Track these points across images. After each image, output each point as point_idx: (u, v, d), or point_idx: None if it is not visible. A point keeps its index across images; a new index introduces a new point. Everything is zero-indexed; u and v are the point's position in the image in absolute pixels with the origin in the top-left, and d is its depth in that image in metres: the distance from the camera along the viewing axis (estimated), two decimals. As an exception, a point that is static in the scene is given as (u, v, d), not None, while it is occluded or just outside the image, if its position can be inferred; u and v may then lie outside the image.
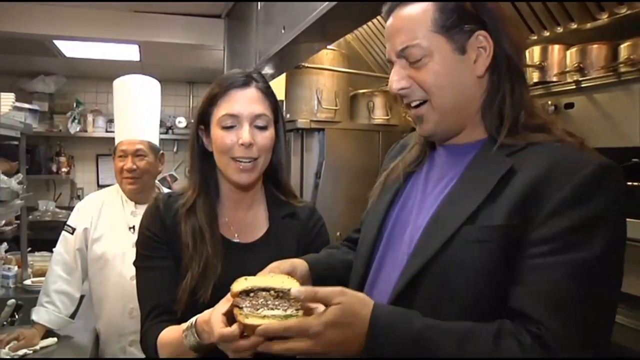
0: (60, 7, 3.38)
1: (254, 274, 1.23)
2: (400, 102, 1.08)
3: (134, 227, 2.25)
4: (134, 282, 2.06)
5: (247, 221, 1.41)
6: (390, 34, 1.05)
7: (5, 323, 2.84)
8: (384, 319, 0.90)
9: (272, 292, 0.99)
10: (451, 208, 0.99)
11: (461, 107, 1.03)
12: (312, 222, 1.46)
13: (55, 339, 2.31)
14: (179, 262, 1.34)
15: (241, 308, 0.97)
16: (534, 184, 0.91)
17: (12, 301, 2.89)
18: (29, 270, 3.45)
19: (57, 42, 3.78)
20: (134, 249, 1.95)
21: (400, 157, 1.20)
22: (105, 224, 2.29)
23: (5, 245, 3.38)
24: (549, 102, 1.86)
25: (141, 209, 2.24)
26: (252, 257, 1.31)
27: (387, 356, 0.89)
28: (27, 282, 3.34)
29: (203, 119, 1.37)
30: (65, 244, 2.30)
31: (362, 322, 0.90)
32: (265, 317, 0.95)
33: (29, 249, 3.39)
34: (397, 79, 1.04)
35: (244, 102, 1.31)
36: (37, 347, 2.21)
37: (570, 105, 1.83)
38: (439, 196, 1.04)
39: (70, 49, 4.00)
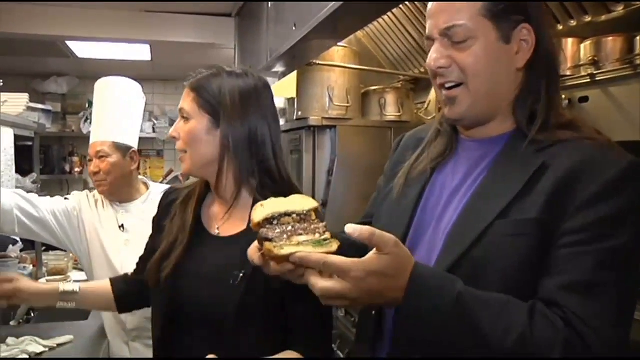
0: (72, 8, 3.40)
1: (223, 264, 1.31)
2: (434, 81, 1.07)
3: (123, 226, 2.26)
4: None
5: (232, 216, 1.41)
6: (435, 10, 1.04)
7: (21, 321, 2.87)
8: (426, 278, 0.88)
9: (294, 216, 0.95)
10: (483, 202, 0.99)
11: (495, 96, 1.02)
12: None
13: (71, 337, 2.33)
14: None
15: (270, 240, 0.90)
16: (567, 179, 0.92)
17: (27, 300, 2.91)
18: (44, 269, 3.48)
19: (70, 43, 3.80)
20: (127, 247, 1.97)
21: (422, 149, 1.17)
22: (95, 220, 2.28)
23: (20, 244, 3.41)
24: (563, 96, 1.84)
25: (127, 207, 2.30)
26: (226, 249, 1.37)
27: (423, 314, 0.87)
28: (42, 280, 3.37)
29: None
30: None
31: (404, 277, 0.87)
32: (300, 244, 0.89)
33: (44, 248, 3.42)
34: (436, 57, 1.03)
35: (181, 100, 1.42)
36: (54, 345, 2.23)
37: (584, 99, 1.82)
38: (468, 190, 1.03)
39: (82, 49, 4.03)
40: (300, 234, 0.92)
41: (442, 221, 1.05)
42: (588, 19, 1.90)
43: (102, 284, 1.62)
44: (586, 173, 0.91)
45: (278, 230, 0.92)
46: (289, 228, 0.93)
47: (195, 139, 1.37)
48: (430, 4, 1.05)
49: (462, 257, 0.96)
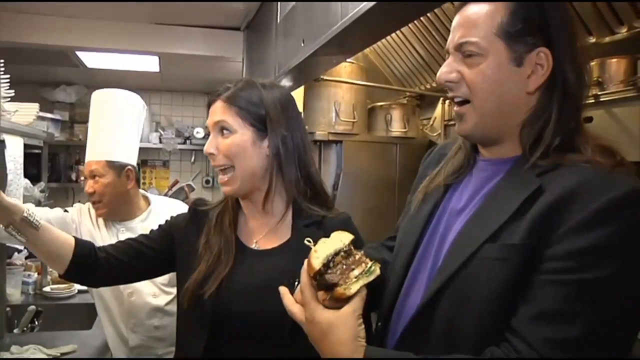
0: (83, 19, 3.44)
1: (263, 278, 1.29)
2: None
3: None
4: (132, 298, 2.10)
5: (269, 230, 1.42)
6: (455, 24, 1.04)
7: (25, 329, 2.88)
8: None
9: (342, 253, 0.98)
10: (476, 225, 0.99)
11: (502, 116, 1.01)
12: None
13: (75, 346, 2.34)
14: (170, 256, 1.48)
15: (337, 284, 0.95)
16: (556, 204, 0.89)
17: (31, 308, 2.93)
18: (49, 277, 3.50)
19: (79, 53, 3.84)
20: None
21: (441, 166, 1.17)
22: (95, 238, 2.17)
23: (25, 252, 3.43)
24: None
25: (128, 225, 2.21)
26: (266, 262, 1.36)
27: None
28: (47, 288, 3.39)
29: None
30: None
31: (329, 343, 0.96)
32: (358, 278, 0.96)
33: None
34: (446, 71, 1.03)
35: (213, 113, 1.38)
36: (58, 354, 2.24)
37: (588, 120, 1.83)
38: (470, 211, 1.03)
39: (91, 59, 4.07)
40: (353, 269, 0.97)
41: (445, 241, 1.06)
42: (592, 40, 1.92)
43: (66, 238, 1.45)
44: (577, 198, 0.88)
45: (338, 272, 0.96)
46: (344, 267, 0.97)
47: (242, 152, 1.35)
48: (455, 18, 1.06)
49: (450, 279, 0.97)
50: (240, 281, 1.34)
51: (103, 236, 2.18)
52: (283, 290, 1.06)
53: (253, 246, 1.41)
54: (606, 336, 0.85)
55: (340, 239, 1.00)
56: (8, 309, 2.83)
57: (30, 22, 3.37)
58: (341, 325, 0.95)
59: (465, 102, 1.03)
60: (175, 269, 1.50)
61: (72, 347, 2.31)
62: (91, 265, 1.45)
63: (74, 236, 1.48)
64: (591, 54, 1.88)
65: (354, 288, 0.95)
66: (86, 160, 2.23)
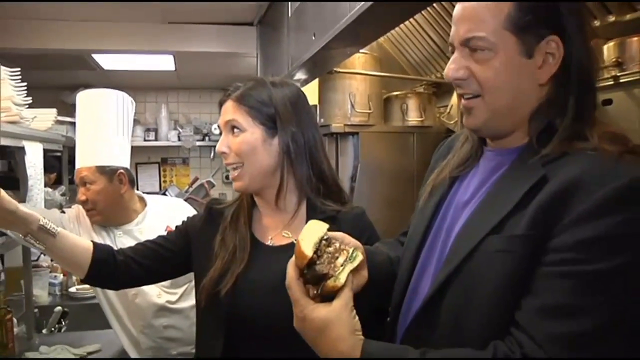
0: (98, 22, 3.48)
1: (280, 273, 1.27)
2: (455, 89, 1.04)
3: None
4: (137, 300, 2.09)
5: (284, 226, 1.41)
6: (458, 17, 0.99)
7: (53, 329, 2.94)
8: (375, 356, 0.92)
9: (323, 242, 0.97)
10: (480, 217, 0.97)
11: (514, 110, 0.98)
12: (357, 229, 1.35)
13: (99, 345, 2.38)
14: (187, 257, 1.49)
15: (327, 275, 0.93)
16: (560, 194, 0.86)
17: (58, 308, 3.00)
18: (74, 278, 3.56)
19: (96, 56, 3.88)
20: None
21: (449, 158, 1.15)
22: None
23: (51, 254, 3.49)
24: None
25: (124, 229, 2.16)
26: (281, 259, 1.32)
27: None
28: (72, 289, 3.45)
29: None
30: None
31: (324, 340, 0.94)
32: (343, 267, 0.94)
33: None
34: (454, 68, 0.99)
35: (224, 112, 1.39)
36: (84, 353, 2.27)
37: (608, 102, 1.78)
38: (475, 204, 1.01)
39: (108, 61, 4.11)
40: (337, 257, 0.95)
41: (451, 232, 1.04)
42: (612, 18, 1.86)
43: (84, 243, 1.46)
44: (582, 187, 0.84)
45: (326, 262, 0.95)
46: (329, 256, 0.95)
47: (252, 150, 1.36)
48: (455, 9, 1.01)
49: (455, 272, 0.95)
50: (255, 278, 1.34)
51: (101, 240, 2.11)
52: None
53: (268, 242, 1.42)
54: (614, 331, 0.82)
55: (319, 228, 0.99)
56: (36, 310, 2.89)
57: (46, 27, 3.42)
58: (337, 321, 0.93)
59: (474, 96, 0.99)
60: (192, 269, 1.51)
61: (97, 347, 2.35)
62: (111, 269, 1.46)
63: (92, 241, 1.49)
64: (611, 34, 1.84)
65: (342, 277, 0.93)
66: (76, 167, 2.16)
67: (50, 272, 3.51)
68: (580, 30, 0.95)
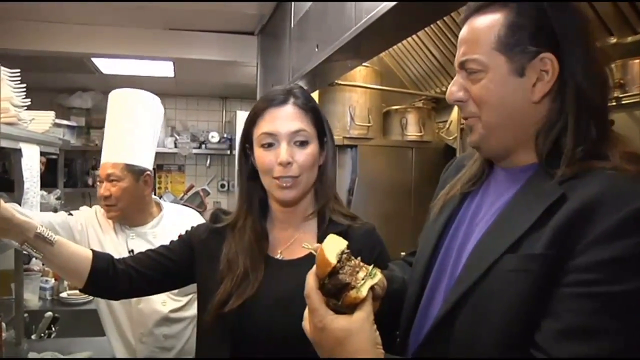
0: (98, 26, 3.47)
1: (290, 289, 1.23)
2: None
3: (132, 251, 2.05)
4: (140, 305, 2.05)
5: (295, 239, 1.38)
6: (459, 42, 1.03)
7: (42, 335, 2.90)
8: None
9: (344, 256, 0.94)
10: (496, 235, 0.96)
11: (509, 128, 0.99)
12: (368, 246, 1.34)
13: (90, 353, 2.35)
14: (190, 267, 1.43)
15: (349, 285, 0.91)
16: (580, 213, 0.84)
17: (49, 314, 2.96)
18: (65, 282, 3.52)
19: (95, 60, 3.87)
20: None
21: (459, 176, 1.15)
22: (103, 242, 2.13)
23: (42, 257, 3.45)
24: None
25: (138, 231, 2.15)
26: (292, 273, 1.29)
27: None
28: (64, 294, 3.42)
29: (247, 138, 1.38)
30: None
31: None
32: (364, 281, 0.92)
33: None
34: (454, 90, 1.03)
35: (282, 120, 1.30)
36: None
37: (610, 123, 1.78)
38: (490, 220, 1.00)
39: (107, 66, 4.10)
40: (358, 271, 0.93)
41: (464, 250, 1.03)
42: (614, 40, 1.88)
43: (83, 252, 1.42)
44: (604, 206, 0.83)
45: (348, 273, 0.92)
46: (350, 269, 0.93)
47: (313, 163, 1.33)
48: (462, 30, 1.04)
49: (470, 290, 0.94)
50: (264, 293, 1.30)
51: (112, 241, 2.13)
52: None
53: (278, 257, 1.37)
54: (633, 353, 0.81)
55: (339, 242, 0.96)
56: (26, 314, 2.85)
57: (46, 29, 3.41)
58: (359, 332, 0.90)
59: (474, 116, 1.02)
60: (195, 280, 1.46)
61: (87, 354, 2.32)
62: (110, 278, 1.41)
63: (91, 249, 1.45)
64: (613, 55, 1.84)
65: (364, 290, 0.90)
66: (103, 162, 2.17)
67: (42, 276, 3.48)
68: (579, 47, 0.95)
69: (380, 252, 1.37)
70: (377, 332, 0.93)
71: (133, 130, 2.18)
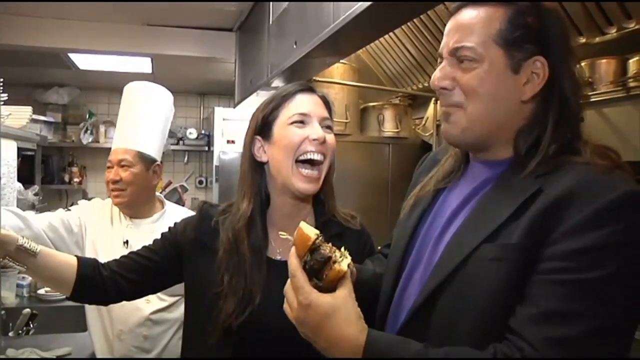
0: (75, 21, 3.44)
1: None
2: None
3: (127, 242, 2.07)
4: (123, 302, 2.03)
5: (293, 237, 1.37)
6: (450, 29, 1.02)
7: (20, 332, 2.87)
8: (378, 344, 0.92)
9: (318, 240, 0.96)
10: (473, 226, 0.98)
11: (492, 124, 1.00)
12: (360, 245, 1.42)
13: (70, 349, 2.34)
14: (177, 267, 1.40)
15: (331, 259, 0.94)
16: (555, 204, 0.89)
17: (26, 310, 2.93)
18: (43, 279, 3.48)
19: (72, 55, 3.83)
20: None
21: (434, 172, 1.17)
22: (99, 233, 2.11)
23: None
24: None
25: (137, 223, 2.14)
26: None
27: None
28: (41, 291, 3.38)
29: (262, 128, 1.36)
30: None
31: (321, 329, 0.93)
32: (342, 258, 0.95)
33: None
34: (440, 76, 1.02)
35: (313, 103, 1.35)
36: (54, 357, 2.23)
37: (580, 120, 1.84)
38: (466, 213, 1.03)
39: (84, 61, 4.06)
40: (334, 251, 0.96)
41: (441, 241, 1.05)
42: (582, 40, 1.94)
43: (67, 260, 1.38)
44: (576, 199, 0.87)
45: (328, 250, 0.95)
46: (327, 248, 0.95)
47: (334, 152, 1.37)
48: (448, 23, 1.05)
49: (447, 279, 0.97)
50: (266, 298, 1.27)
51: (107, 231, 2.11)
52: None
53: (277, 257, 1.35)
54: (605, 336, 0.85)
55: (311, 227, 0.99)
56: (3, 312, 2.82)
57: (22, 24, 3.37)
58: (344, 306, 0.93)
59: (457, 106, 1.02)
60: (182, 279, 1.44)
61: (67, 350, 2.30)
62: (97, 285, 1.39)
63: (76, 255, 1.42)
64: (581, 55, 1.91)
65: (344, 264, 0.93)
66: (114, 147, 2.18)
67: (19, 273, 3.44)
68: (565, 54, 0.99)
69: (370, 248, 1.46)
70: (359, 308, 0.95)
71: (147, 121, 2.22)
